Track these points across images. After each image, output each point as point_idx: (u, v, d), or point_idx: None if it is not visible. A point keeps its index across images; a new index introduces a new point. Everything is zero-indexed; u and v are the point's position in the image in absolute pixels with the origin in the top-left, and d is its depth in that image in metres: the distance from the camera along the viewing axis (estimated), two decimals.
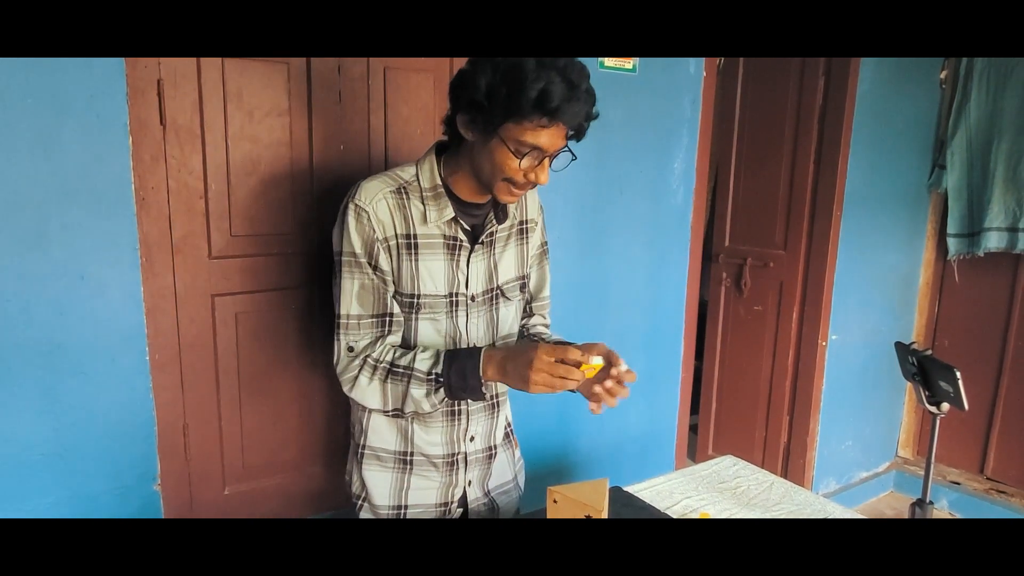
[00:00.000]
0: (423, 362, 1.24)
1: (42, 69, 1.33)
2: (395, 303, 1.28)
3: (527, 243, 1.43)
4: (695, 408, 3.26)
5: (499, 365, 1.21)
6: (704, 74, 2.43)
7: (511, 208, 1.37)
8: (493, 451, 1.47)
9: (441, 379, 1.23)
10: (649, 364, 2.54)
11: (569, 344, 1.34)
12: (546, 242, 1.49)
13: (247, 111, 1.56)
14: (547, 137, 1.15)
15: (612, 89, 2.17)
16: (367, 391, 1.27)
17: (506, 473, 1.54)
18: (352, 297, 1.27)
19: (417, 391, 1.23)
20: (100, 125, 1.41)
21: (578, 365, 1.16)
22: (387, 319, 1.28)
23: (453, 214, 1.27)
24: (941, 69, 3.15)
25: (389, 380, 1.25)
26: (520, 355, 1.17)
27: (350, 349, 1.28)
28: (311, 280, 1.71)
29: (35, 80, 1.33)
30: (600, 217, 2.27)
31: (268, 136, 1.60)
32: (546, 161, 1.19)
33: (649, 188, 2.39)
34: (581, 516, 1.18)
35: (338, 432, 1.83)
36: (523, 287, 1.44)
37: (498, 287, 1.38)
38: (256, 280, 1.64)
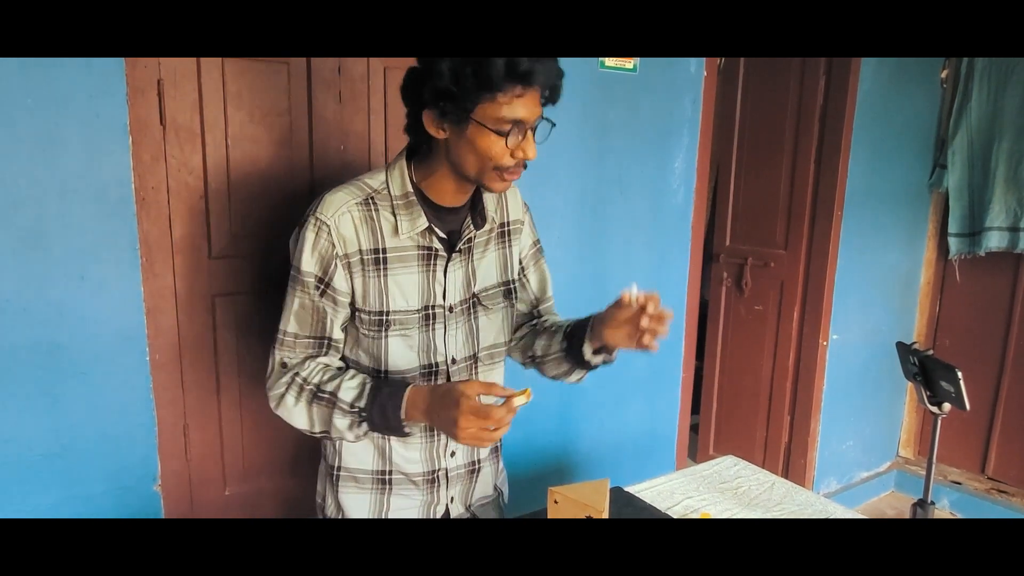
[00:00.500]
0: (348, 392, 1.16)
1: (42, 69, 1.33)
2: (335, 328, 1.21)
3: (511, 246, 1.35)
4: (696, 408, 3.25)
5: (425, 411, 1.13)
6: (705, 74, 2.43)
7: (489, 211, 1.29)
8: (477, 465, 1.40)
9: (364, 413, 1.15)
10: (650, 364, 2.54)
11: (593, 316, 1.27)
12: (538, 240, 1.42)
13: (247, 111, 1.56)
14: (524, 107, 1.08)
15: (613, 89, 2.17)
16: (293, 411, 1.20)
17: (488, 487, 1.46)
18: (291, 315, 1.21)
19: (340, 422, 1.16)
20: (100, 125, 1.41)
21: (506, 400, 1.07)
22: (324, 342, 1.22)
23: (426, 224, 1.19)
24: (942, 69, 3.15)
25: (314, 404, 1.18)
26: (445, 407, 1.08)
27: (283, 365, 1.22)
28: None
29: (35, 80, 1.33)
30: (600, 217, 2.27)
31: (268, 136, 1.60)
32: (530, 134, 1.12)
33: (650, 188, 2.39)
34: (582, 516, 1.18)
35: None
36: (508, 294, 1.35)
37: (475, 295, 1.29)
38: (256, 280, 1.64)
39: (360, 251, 1.17)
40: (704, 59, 2.41)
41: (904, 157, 3.13)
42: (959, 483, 3.24)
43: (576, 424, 2.34)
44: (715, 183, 3.45)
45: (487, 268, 1.31)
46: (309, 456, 1.80)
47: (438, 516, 1.38)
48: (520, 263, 1.38)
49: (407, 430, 1.16)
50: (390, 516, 1.35)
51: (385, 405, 1.14)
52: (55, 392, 1.43)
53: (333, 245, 1.16)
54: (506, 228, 1.34)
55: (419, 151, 1.21)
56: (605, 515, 1.18)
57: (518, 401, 1.06)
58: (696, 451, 3.50)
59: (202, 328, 1.59)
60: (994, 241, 3.00)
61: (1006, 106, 2.94)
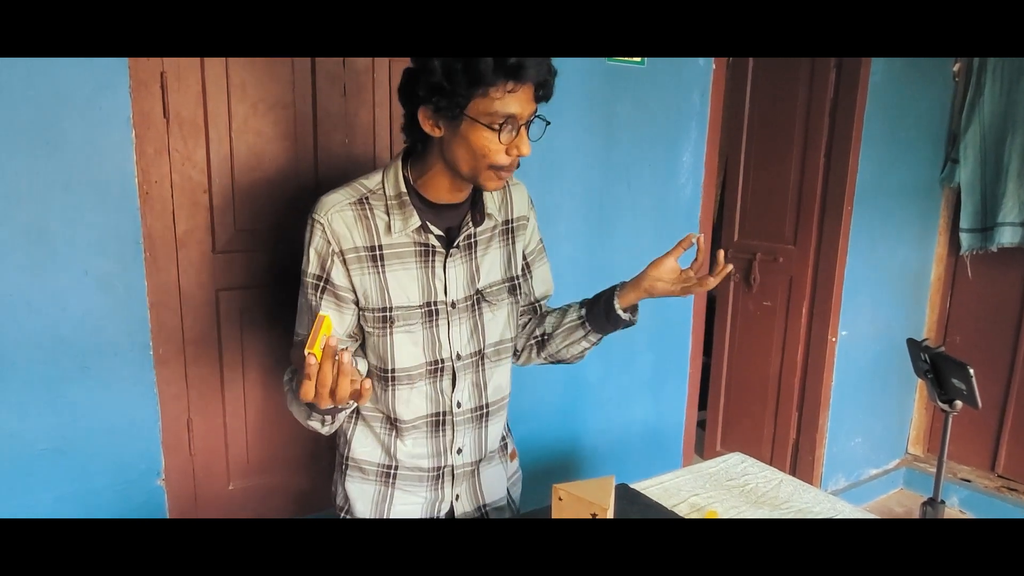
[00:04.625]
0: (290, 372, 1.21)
1: (45, 63, 1.33)
2: (361, 318, 1.24)
3: (515, 243, 1.36)
4: (703, 404, 3.24)
5: None
6: (713, 67, 2.41)
7: (491, 208, 1.30)
8: (481, 462, 1.40)
9: (288, 385, 1.19)
10: (657, 360, 2.53)
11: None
12: (542, 239, 1.43)
13: (251, 104, 1.55)
14: (517, 103, 1.10)
15: (620, 82, 2.15)
16: (291, 407, 1.23)
17: (498, 490, 1.46)
18: (298, 316, 1.27)
19: (297, 412, 1.19)
20: (103, 118, 1.40)
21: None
22: None
23: (419, 223, 1.20)
24: (954, 63, 3.11)
25: (290, 393, 1.21)
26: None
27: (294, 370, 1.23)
28: None
29: (38, 73, 1.32)
30: (608, 211, 2.25)
31: (272, 129, 1.59)
32: (523, 130, 1.13)
33: (657, 182, 2.37)
34: (586, 514, 1.17)
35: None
36: (512, 290, 1.36)
37: (479, 291, 1.30)
38: (260, 275, 1.63)
39: (355, 248, 1.19)
40: None
41: (915, 152, 3.10)
42: (969, 481, 3.22)
43: (582, 420, 2.32)
44: (723, 177, 3.42)
45: (491, 264, 1.32)
46: (313, 451, 1.80)
47: (442, 513, 1.38)
48: (524, 259, 1.39)
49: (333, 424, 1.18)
50: (393, 508, 1.35)
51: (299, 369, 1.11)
52: (59, 387, 1.43)
53: (328, 242, 1.18)
54: (510, 225, 1.35)
55: (415, 151, 1.23)
56: (610, 513, 1.17)
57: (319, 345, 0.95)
58: (703, 447, 3.49)
59: (206, 323, 1.58)
60: (1006, 237, 2.97)
61: (1019, 101, 2.90)
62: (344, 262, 1.19)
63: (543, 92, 1.14)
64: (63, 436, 1.45)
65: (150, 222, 1.48)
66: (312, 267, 1.20)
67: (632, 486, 1.56)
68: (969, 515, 3.17)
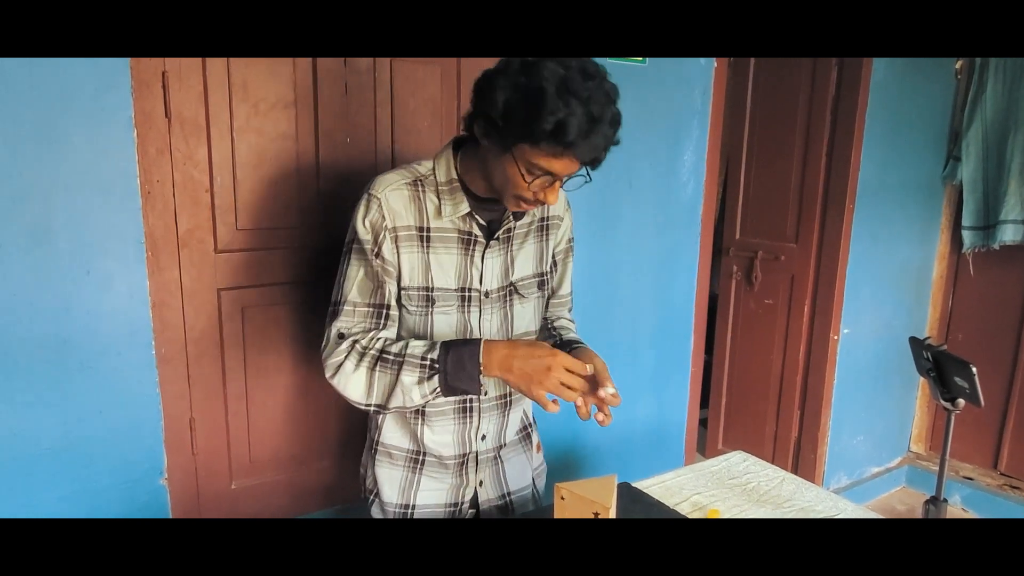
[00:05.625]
0: (416, 348, 1.19)
1: (46, 62, 1.32)
2: (392, 297, 1.25)
3: (548, 239, 1.40)
4: (705, 402, 3.24)
5: (504, 360, 1.16)
6: (715, 65, 2.40)
7: None
8: (503, 448, 1.45)
9: (436, 365, 1.17)
10: (659, 358, 2.53)
11: (576, 347, 1.36)
12: (572, 239, 1.47)
13: (252, 103, 1.55)
14: (560, 164, 1.11)
15: (621, 81, 2.11)
16: (351, 378, 1.21)
17: (524, 476, 1.51)
18: (354, 284, 1.24)
19: (408, 377, 1.17)
20: (105, 118, 1.40)
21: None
22: (384, 311, 1.25)
23: (468, 209, 1.25)
24: (956, 60, 3.10)
25: (378, 368, 1.19)
26: (533, 355, 1.15)
27: (340, 335, 1.23)
28: (317, 274, 1.69)
29: (39, 73, 1.32)
30: (609, 210, 2.25)
31: (274, 129, 1.59)
32: (557, 183, 1.17)
33: (659, 181, 2.37)
34: (589, 513, 1.17)
35: (345, 426, 1.82)
36: (541, 284, 1.40)
37: (512, 284, 1.35)
38: (262, 274, 1.63)
39: (408, 226, 1.24)
40: None
41: (917, 149, 3.09)
42: (971, 479, 3.21)
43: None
44: (725, 176, 3.42)
45: (524, 259, 1.37)
46: (316, 449, 1.80)
47: (466, 499, 1.42)
48: (553, 257, 1.43)
49: (481, 381, 1.17)
50: (419, 494, 1.40)
51: (462, 354, 1.17)
52: (61, 386, 1.43)
53: (383, 217, 1.22)
54: (546, 223, 1.40)
55: (466, 143, 1.27)
56: (612, 513, 1.17)
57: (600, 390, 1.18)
58: (705, 446, 3.49)
59: (208, 322, 1.59)
60: (1009, 234, 2.97)
61: (1021, 98, 2.89)
62: (395, 239, 1.23)
63: (592, 164, 1.15)
64: (66, 436, 1.45)
65: (152, 222, 1.48)
66: (365, 236, 1.22)
67: (634, 485, 1.56)
68: (971, 513, 3.17)
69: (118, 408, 1.50)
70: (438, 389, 1.18)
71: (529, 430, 1.54)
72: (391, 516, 1.40)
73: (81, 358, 1.44)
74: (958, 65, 3.11)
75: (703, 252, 2.55)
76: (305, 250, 1.68)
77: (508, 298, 1.35)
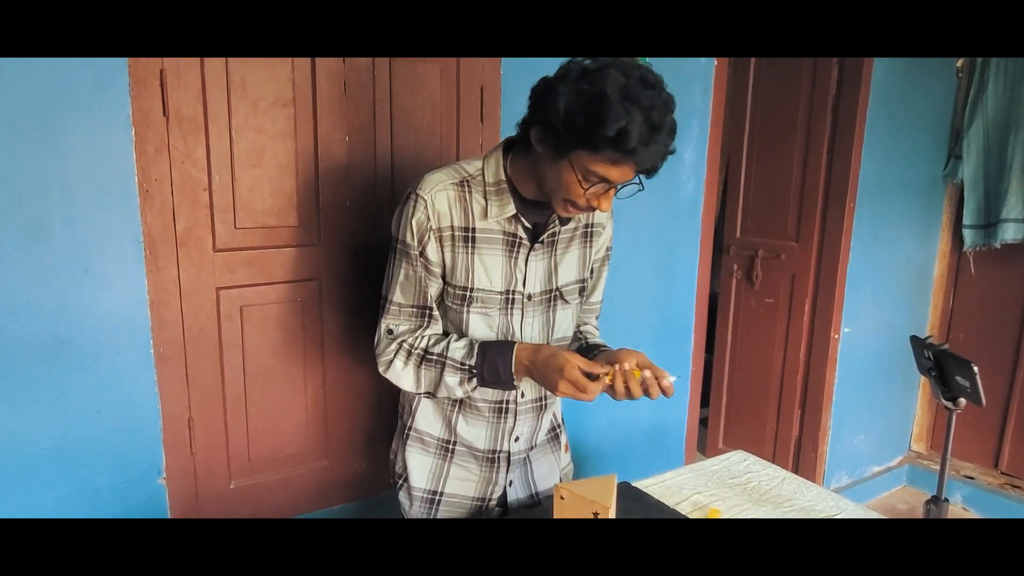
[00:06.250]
0: (457, 351, 1.27)
1: (43, 60, 1.32)
2: (433, 299, 1.30)
3: (591, 246, 1.41)
4: (705, 402, 3.23)
5: (527, 367, 1.23)
6: (715, 64, 2.40)
7: None
8: (532, 449, 1.48)
9: (475, 370, 1.25)
10: (659, 357, 2.48)
11: (602, 350, 1.36)
12: (611, 247, 1.48)
13: (251, 101, 1.54)
14: (618, 172, 1.13)
15: None
16: (401, 374, 1.31)
17: (553, 476, 1.53)
18: (397, 285, 1.29)
19: (451, 379, 1.26)
20: (103, 116, 1.39)
21: (598, 377, 1.20)
22: (426, 312, 1.30)
23: (514, 211, 1.25)
24: (958, 58, 3.09)
25: (423, 366, 1.29)
26: (550, 362, 1.20)
27: (389, 332, 1.31)
28: (317, 272, 1.69)
29: (37, 71, 1.32)
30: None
31: (272, 127, 1.58)
32: (611, 191, 1.17)
33: (659, 179, 2.32)
34: (588, 513, 1.16)
35: (345, 425, 1.82)
36: (582, 291, 1.42)
37: (557, 289, 1.36)
38: (261, 273, 1.63)
39: (452, 227, 1.25)
40: None
41: (918, 147, 3.08)
42: (972, 478, 3.21)
43: (584, 417, 2.32)
44: (725, 174, 3.41)
45: (568, 264, 1.38)
46: (315, 449, 1.79)
47: (495, 498, 1.45)
48: (592, 263, 1.44)
49: (516, 384, 1.27)
50: (448, 483, 1.43)
51: (496, 363, 1.25)
52: (60, 386, 1.43)
53: (428, 218, 1.24)
54: (590, 229, 1.41)
55: (518, 145, 1.27)
56: (612, 512, 1.17)
57: (606, 378, 1.22)
58: (705, 445, 3.48)
59: (206, 321, 1.58)
60: (1010, 233, 2.96)
61: (1023, 96, 2.88)
62: (440, 240, 1.25)
63: (648, 172, 1.16)
64: (64, 435, 1.45)
65: (150, 220, 1.47)
66: (410, 239, 1.25)
67: (634, 484, 1.56)
68: (972, 512, 3.17)
69: (116, 407, 1.49)
70: (477, 388, 1.28)
71: (558, 431, 1.56)
72: (418, 502, 1.43)
73: (79, 357, 1.44)
74: (959, 63, 3.10)
75: (703, 251, 2.54)
76: (304, 249, 1.67)
77: (552, 302, 1.37)
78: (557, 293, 1.36)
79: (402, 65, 1.71)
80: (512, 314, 1.32)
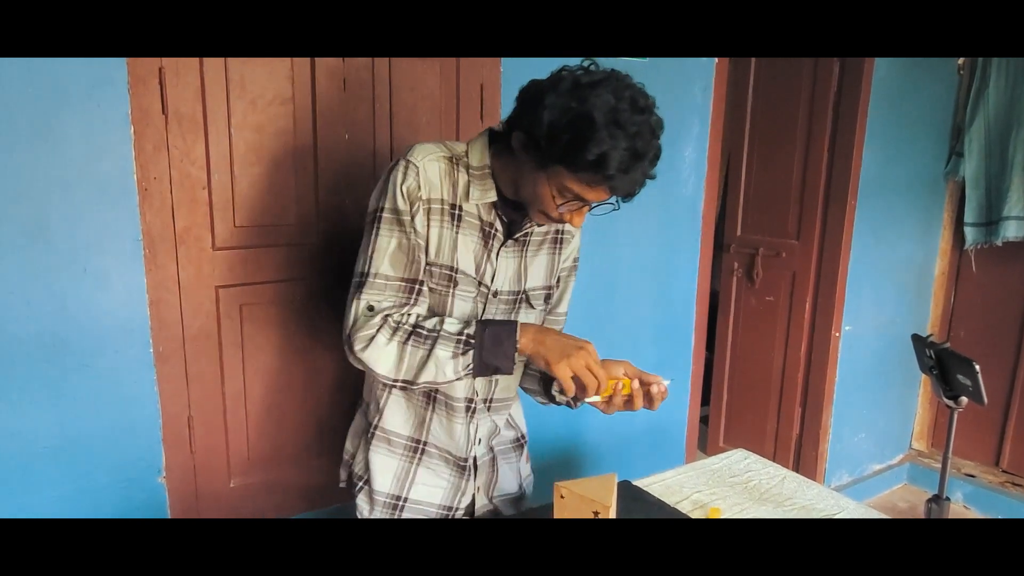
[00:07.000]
0: (452, 324, 1.18)
1: (42, 59, 1.31)
2: (426, 272, 1.22)
3: (559, 253, 1.38)
4: (706, 400, 3.23)
5: (535, 336, 1.16)
6: (716, 61, 2.39)
7: None
8: (492, 453, 1.45)
9: (472, 340, 1.15)
10: (659, 355, 2.52)
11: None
12: (578, 259, 1.44)
13: (250, 99, 1.54)
14: (594, 193, 1.12)
15: None
16: (382, 352, 1.17)
17: (511, 484, 1.50)
18: (385, 256, 1.19)
19: (443, 351, 1.15)
20: (101, 115, 1.39)
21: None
22: (416, 286, 1.21)
23: (495, 197, 1.22)
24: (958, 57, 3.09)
25: (411, 342, 1.16)
26: (567, 337, 1.17)
27: (370, 308, 1.19)
28: (316, 271, 1.69)
29: (35, 70, 1.31)
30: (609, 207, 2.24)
31: (272, 125, 1.58)
32: (585, 208, 1.17)
33: (659, 177, 2.31)
34: (589, 512, 1.16)
35: (345, 424, 1.81)
36: (548, 298, 1.39)
37: (525, 291, 1.33)
38: (260, 271, 1.62)
39: (441, 200, 1.20)
40: None
41: (919, 145, 3.08)
42: (973, 476, 3.21)
43: (584, 416, 2.31)
44: (726, 172, 3.41)
45: (537, 268, 1.35)
46: (315, 447, 1.79)
47: (462, 506, 1.41)
48: (560, 272, 1.41)
49: (518, 353, 1.17)
50: (414, 488, 1.37)
51: (499, 332, 1.16)
52: (59, 385, 1.43)
53: (419, 187, 1.18)
54: (560, 235, 1.38)
55: (502, 140, 1.22)
56: (612, 511, 1.16)
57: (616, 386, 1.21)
58: (706, 444, 3.48)
59: (205, 319, 1.58)
60: (1011, 231, 2.95)
61: None
62: (428, 212, 1.19)
63: (626, 198, 1.15)
64: (64, 434, 1.44)
65: (149, 219, 1.47)
66: (401, 204, 1.17)
67: (635, 483, 1.56)
68: (973, 511, 3.16)
69: (116, 406, 1.49)
70: (471, 366, 1.17)
71: (522, 441, 1.53)
72: (379, 506, 1.37)
73: (78, 356, 1.44)
74: (960, 61, 3.09)
75: (704, 249, 2.53)
76: (303, 247, 1.67)
77: (517, 304, 1.33)
78: (524, 296, 1.33)
79: (402, 63, 1.71)
80: (478, 306, 1.27)
